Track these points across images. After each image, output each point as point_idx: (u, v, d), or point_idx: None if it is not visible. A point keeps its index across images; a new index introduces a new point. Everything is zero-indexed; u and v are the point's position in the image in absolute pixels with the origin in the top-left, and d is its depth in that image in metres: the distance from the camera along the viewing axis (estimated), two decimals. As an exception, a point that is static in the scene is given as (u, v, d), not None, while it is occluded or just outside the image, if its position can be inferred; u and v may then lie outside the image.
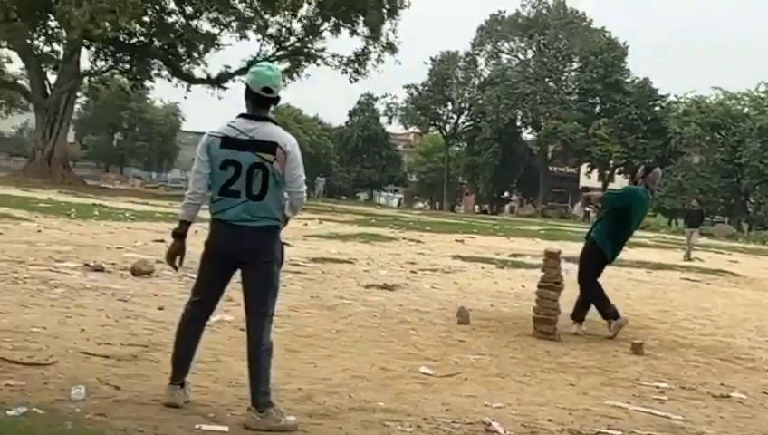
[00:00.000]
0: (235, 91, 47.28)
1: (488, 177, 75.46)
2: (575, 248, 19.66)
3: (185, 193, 4.73)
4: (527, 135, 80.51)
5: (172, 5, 46.60)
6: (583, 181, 79.90)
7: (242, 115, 4.62)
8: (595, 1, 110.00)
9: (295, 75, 48.49)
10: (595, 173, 74.98)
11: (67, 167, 47.03)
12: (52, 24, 44.45)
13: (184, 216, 4.71)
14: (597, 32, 75.14)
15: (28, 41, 43.88)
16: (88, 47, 45.65)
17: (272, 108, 4.70)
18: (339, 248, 17.42)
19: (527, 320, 8.67)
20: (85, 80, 49.86)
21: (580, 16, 75.84)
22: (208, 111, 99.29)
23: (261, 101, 4.60)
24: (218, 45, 47.57)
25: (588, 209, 66.64)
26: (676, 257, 24.16)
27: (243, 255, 4.60)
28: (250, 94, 4.60)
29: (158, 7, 44.56)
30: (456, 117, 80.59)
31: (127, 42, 46.66)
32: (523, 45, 77.52)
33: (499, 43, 78.06)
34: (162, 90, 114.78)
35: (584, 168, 77.67)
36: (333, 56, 48.67)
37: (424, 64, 78.70)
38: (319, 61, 48.71)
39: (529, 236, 30.04)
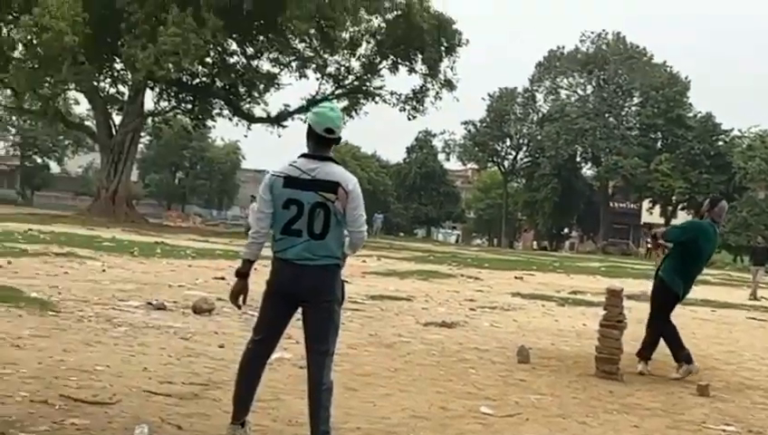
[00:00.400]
0: (295, 129, 47.97)
1: (547, 213, 74.79)
2: (637, 286, 19.38)
3: (243, 229, 4.79)
4: (587, 171, 79.77)
5: (234, 46, 47.53)
6: (645, 217, 78.65)
7: (304, 155, 4.67)
8: (655, 36, 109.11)
9: (354, 113, 48.93)
10: (657, 209, 73.82)
11: (130, 205, 47.95)
12: (118, 66, 45.68)
13: (247, 255, 4.76)
14: (658, 66, 74.34)
15: (95, 83, 45.08)
16: (152, 88, 46.73)
17: (333, 147, 4.74)
18: (397, 286, 17.40)
19: (589, 359, 8.53)
20: (149, 120, 50.99)
21: (640, 51, 75.15)
22: (268, 149, 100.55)
23: (323, 142, 4.64)
24: (278, 85, 48.32)
25: (648, 245, 65.57)
26: (742, 296, 23.58)
27: (304, 293, 4.62)
28: (312, 134, 4.65)
29: (219, 48, 45.44)
30: (514, 153, 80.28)
31: (189, 82, 47.67)
32: (582, 81, 77.05)
33: (558, 79, 77.70)
34: (223, 128, 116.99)
35: (646, 203, 76.51)
36: (391, 94, 49.08)
37: (482, 101, 78.85)
38: (377, 98, 49.12)
39: (589, 273, 29.64)
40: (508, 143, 79.64)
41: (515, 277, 23.74)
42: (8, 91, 48.88)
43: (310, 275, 4.59)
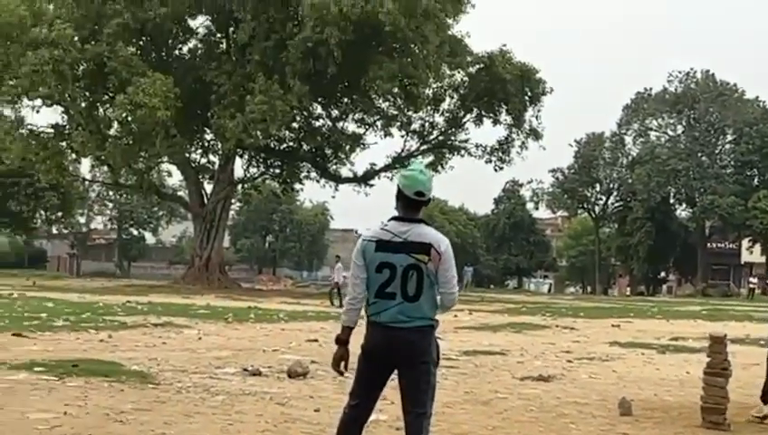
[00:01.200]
0: (382, 187, 48.28)
1: (642, 257, 73.17)
2: (740, 329, 18.71)
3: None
4: (681, 212, 77.85)
5: (319, 110, 48.38)
6: (745, 257, 76.23)
7: (394, 218, 4.73)
8: (747, 71, 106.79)
9: (439, 167, 48.99)
10: (757, 248, 71.41)
11: (223, 271, 48.82)
12: (208, 136, 47.00)
13: (346, 321, 4.80)
14: (750, 102, 72.60)
15: (186, 154, 46.46)
16: (241, 155, 47.87)
17: (423, 209, 4.78)
18: (490, 340, 17.20)
19: (694, 409, 8.23)
20: (239, 186, 52.14)
21: (731, 88, 73.53)
22: (356, 209, 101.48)
23: (413, 204, 4.70)
24: (364, 144, 48.83)
25: (752, 286, 63.30)
26: None
27: (399, 356, 4.65)
28: (402, 197, 4.70)
29: (305, 113, 46.31)
30: (604, 198, 79.09)
31: (277, 148, 48.65)
32: (672, 121, 75.71)
33: (647, 121, 76.49)
34: (311, 190, 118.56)
35: (745, 242, 74.12)
36: (477, 146, 48.99)
37: (569, 147, 78.11)
38: (463, 152, 49.10)
39: (690, 317, 28.75)
40: (598, 188, 78.53)
41: (612, 325, 23.21)
42: (105, 168, 50.80)
43: (404, 338, 4.62)
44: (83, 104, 42.75)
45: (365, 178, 49.91)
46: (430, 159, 49.00)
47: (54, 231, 76.79)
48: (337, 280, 31.58)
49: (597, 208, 79.32)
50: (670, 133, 76.01)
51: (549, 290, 79.03)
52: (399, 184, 4.75)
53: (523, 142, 48.54)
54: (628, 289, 73.32)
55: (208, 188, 48.36)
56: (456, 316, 22.65)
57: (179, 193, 58.16)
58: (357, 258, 4.71)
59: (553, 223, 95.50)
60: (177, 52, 46.63)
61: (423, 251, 4.58)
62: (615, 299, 56.26)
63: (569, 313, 29.72)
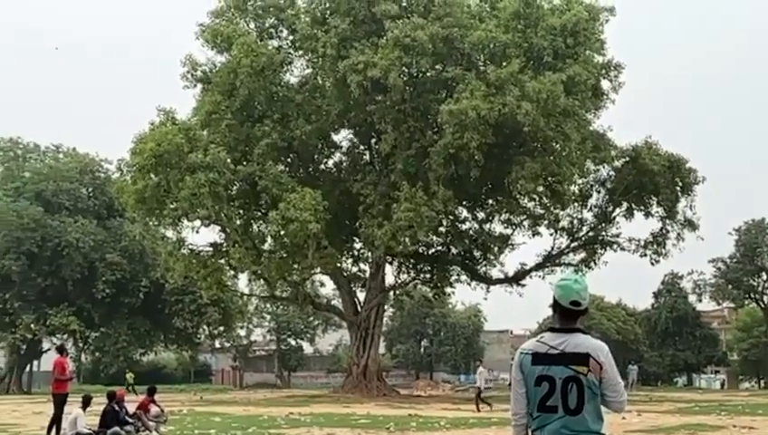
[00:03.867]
0: (534, 287, 47.58)
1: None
2: None
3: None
4: None
5: (465, 213, 48.57)
6: None
7: (550, 329, 4.66)
8: None
9: (592, 264, 47.92)
10: None
11: (381, 379, 48.84)
12: (358, 245, 47.94)
13: None
14: None
15: (338, 264, 47.36)
16: (391, 262, 48.41)
17: (580, 319, 4.67)
18: (663, 445, 16.21)
19: None
20: (391, 293, 52.55)
21: None
22: (509, 309, 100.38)
23: (569, 314, 4.63)
24: (512, 245, 48.47)
25: None
26: None
27: (565, 469, 4.45)
28: (558, 307, 4.64)
29: (451, 217, 46.54)
30: (772, 286, 74.72)
31: (426, 253, 48.96)
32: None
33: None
34: (462, 292, 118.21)
35: None
36: (630, 240, 47.70)
37: (728, 235, 74.73)
38: (615, 247, 47.89)
39: None
40: (764, 277, 74.40)
41: (796, 424, 21.51)
42: (262, 281, 52.42)
43: (569, 452, 4.44)
44: (238, 222, 44.51)
45: (516, 279, 49.39)
46: (582, 255, 48.11)
47: (217, 345, 79.29)
48: (479, 384, 31.33)
49: (765, 298, 74.96)
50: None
51: (722, 386, 74.76)
52: (555, 295, 4.68)
53: (678, 234, 46.94)
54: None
55: (361, 295, 49.03)
56: (623, 419, 21.59)
57: (333, 302, 59.22)
58: (515, 373, 4.67)
59: (719, 315, 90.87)
60: (323, 166, 48.26)
61: (581, 362, 4.48)
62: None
63: (746, 410, 27.88)
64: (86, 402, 19.48)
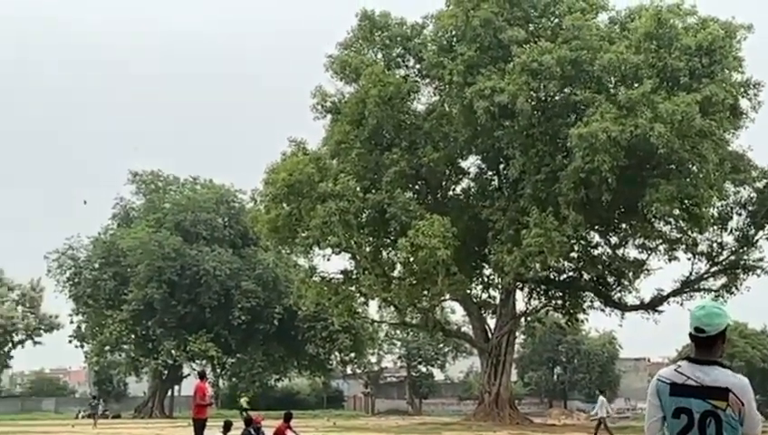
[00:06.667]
0: (672, 314, 45.87)
1: None
2: None
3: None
4: None
5: (597, 238, 47.48)
6: None
7: (688, 358, 4.54)
8: None
9: (734, 289, 45.92)
10: None
11: (513, 407, 48.19)
12: (487, 272, 47.56)
13: None
14: None
15: (467, 291, 47.15)
16: (521, 288, 47.79)
17: (721, 348, 4.54)
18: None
19: None
20: (522, 319, 51.84)
21: None
22: (646, 337, 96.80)
23: (699, 343, 4.51)
24: (648, 270, 47.03)
25: None
26: None
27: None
28: (690, 336, 4.56)
29: (583, 242, 45.64)
30: None
31: (557, 278, 48.10)
32: None
33: None
34: (596, 319, 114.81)
35: None
36: (774, 265, 45.51)
37: None
38: (758, 271, 45.76)
39: None
40: None
41: None
42: (392, 308, 52.77)
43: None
44: (368, 249, 45.04)
45: (652, 305, 47.84)
46: (722, 281, 46.18)
47: (349, 371, 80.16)
48: (601, 414, 31.17)
49: None
50: None
51: None
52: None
53: (831, 259, 44.45)
54: None
55: (491, 322, 48.58)
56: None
57: (463, 329, 58.96)
58: (652, 398, 4.55)
59: None
60: (451, 192, 48.28)
61: (719, 396, 4.34)
62: None
63: None
64: (227, 427, 20.09)
